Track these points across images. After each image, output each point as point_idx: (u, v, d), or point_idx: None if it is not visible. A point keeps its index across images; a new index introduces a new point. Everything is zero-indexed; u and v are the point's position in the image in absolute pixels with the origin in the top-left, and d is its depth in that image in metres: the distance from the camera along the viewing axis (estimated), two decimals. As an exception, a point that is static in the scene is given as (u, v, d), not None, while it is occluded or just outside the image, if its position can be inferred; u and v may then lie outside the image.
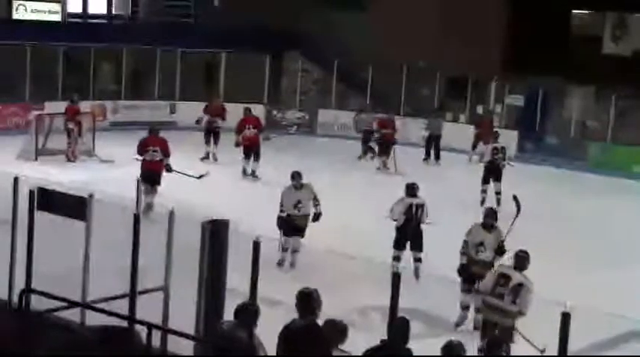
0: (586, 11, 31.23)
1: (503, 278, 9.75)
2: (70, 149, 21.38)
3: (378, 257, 12.73)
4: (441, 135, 24.53)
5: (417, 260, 12.97)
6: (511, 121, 28.22)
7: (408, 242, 13.04)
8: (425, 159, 24.27)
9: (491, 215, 11.57)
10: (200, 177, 17.34)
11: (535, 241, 15.56)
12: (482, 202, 18.19)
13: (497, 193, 18.58)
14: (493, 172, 19.12)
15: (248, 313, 6.67)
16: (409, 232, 13.03)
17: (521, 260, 9.81)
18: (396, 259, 12.91)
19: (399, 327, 6.49)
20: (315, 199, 13.62)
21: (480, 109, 27.74)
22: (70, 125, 21.49)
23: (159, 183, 16.25)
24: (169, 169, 16.52)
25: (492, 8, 29.38)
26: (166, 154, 16.59)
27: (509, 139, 26.45)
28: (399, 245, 13.00)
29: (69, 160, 21.20)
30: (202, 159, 21.80)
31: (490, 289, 9.77)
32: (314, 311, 6.70)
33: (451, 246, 11.58)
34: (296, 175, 13.82)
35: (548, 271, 14.19)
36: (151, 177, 15.99)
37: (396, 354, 6.45)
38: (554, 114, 28.13)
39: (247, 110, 21.56)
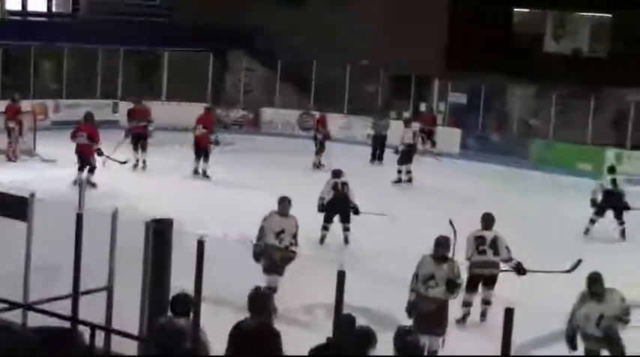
0: (527, 9, 31.61)
1: (480, 239, 11.77)
2: (11, 149, 21.08)
3: (323, 255, 12.76)
4: (386, 135, 24.34)
5: (346, 229, 15.21)
6: (454, 119, 28.47)
7: (337, 215, 15.18)
8: (371, 161, 24.15)
9: (443, 245, 9.85)
10: (124, 163, 19.29)
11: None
12: (399, 180, 21.19)
13: (408, 172, 21.35)
14: (408, 154, 21.48)
15: (184, 303, 6.65)
16: (337, 205, 15.19)
17: (489, 221, 11.98)
18: (325, 228, 15.14)
19: (344, 325, 6.45)
20: (295, 236, 11.56)
21: (422, 107, 27.95)
22: (11, 124, 21.18)
23: (88, 163, 18.37)
24: (100, 153, 18.72)
25: (435, 6, 29.61)
26: (93, 139, 18.56)
27: (452, 136, 26.78)
28: (328, 219, 15.15)
29: (9, 159, 20.90)
30: (134, 166, 20.71)
31: (473, 251, 11.65)
32: (265, 311, 6.67)
33: (395, 245, 11.65)
34: (285, 201, 11.71)
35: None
36: (80, 157, 18.43)
37: (343, 353, 6.41)
38: (496, 112, 28.43)
39: (206, 109, 21.60)
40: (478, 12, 28.41)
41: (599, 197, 17.14)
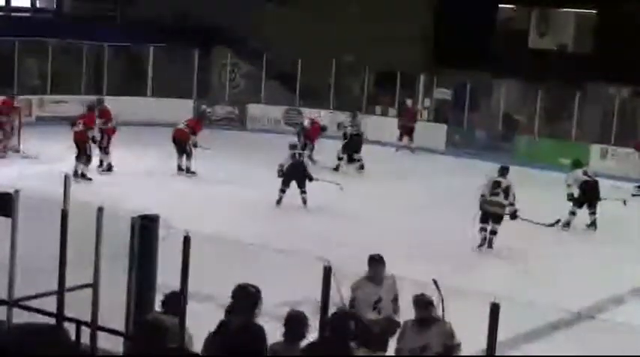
0: (512, 6, 31.66)
1: (497, 183, 15.38)
2: (2, 144, 20.99)
3: (310, 251, 12.75)
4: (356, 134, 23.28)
5: (303, 193, 17.72)
6: (439, 115, 28.53)
7: (294, 181, 17.66)
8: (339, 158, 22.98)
9: (422, 307, 8.02)
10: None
11: (464, 234, 15.87)
12: (337, 168, 22.32)
13: (359, 160, 22.43)
14: (355, 144, 22.52)
15: (176, 301, 6.63)
16: (294, 172, 17.69)
17: (505, 171, 15.64)
18: (282, 191, 17.72)
19: (337, 321, 6.40)
20: (397, 300, 9.11)
21: (409, 104, 28.00)
22: (3, 119, 21.11)
23: (82, 150, 19.02)
24: (94, 141, 19.49)
25: (420, 3, 29.65)
26: (88, 127, 19.32)
27: (438, 132, 26.85)
28: (285, 183, 17.71)
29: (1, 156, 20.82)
30: (106, 170, 20.29)
31: (489, 192, 15.22)
32: (252, 309, 6.64)
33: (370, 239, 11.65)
34: (378, 264, 9.11)
35: (477, 262, 14.47)
36: (76, 144, 19.12)
37: (337, 350, 6.36)
38: (482, 108, 28.50)
39: (88, 107, 20.83)
40: (463, 8, 28.43)
41: (576, 191, 17.39)
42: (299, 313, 6.56)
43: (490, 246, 15.27)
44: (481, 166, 22.87)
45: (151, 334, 6.68)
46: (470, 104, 27.61)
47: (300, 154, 18.35)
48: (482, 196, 15.34)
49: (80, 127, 19.52)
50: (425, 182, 21.24)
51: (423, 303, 7.87)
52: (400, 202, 18.65)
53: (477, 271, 13.68)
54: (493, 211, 15.24)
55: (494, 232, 15.26)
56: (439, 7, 30.09)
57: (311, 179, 17.89)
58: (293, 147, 18.52)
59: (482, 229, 15.26)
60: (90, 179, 18.85)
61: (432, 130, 26.96)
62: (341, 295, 8.05)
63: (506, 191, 15.32)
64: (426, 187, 20.51)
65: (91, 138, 19.31)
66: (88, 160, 19.15)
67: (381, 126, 26.67)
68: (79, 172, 18.85)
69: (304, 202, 17.78)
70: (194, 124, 21.06)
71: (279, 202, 17.78)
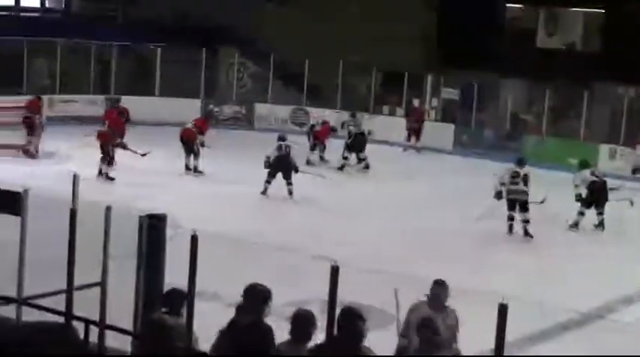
0: (520, 5, 31.62)
1: (515, 173, 16.69)
2: (33, 145, 21.07)
3: (318, 251, 12.77)
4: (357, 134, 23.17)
5: (289, 184, 18.37)
6: (447, 114, 28.51)
7: (280, 173, 18.29)
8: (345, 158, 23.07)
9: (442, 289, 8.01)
10: (144, 155, 19.47)
11: (470, 234, 15.88)
12: (342, 167, 22.43)
13: (364, 159, 22.46)
14: (359, 143, 22.64)
15: (175, 299, 6.64)
16: (279, 164, 18.36)
17: (523, 161, 17.08)
18: (268, 182, 18.40)
19: (346, 321, 6.34)
20: (455, 335, 8.00)
21: (416, 103, 27.98)
22: (37, 120, 21.21)
23: (103, 152, 19.04)
24: (124, 147, 19.41)
25: (427, 2, 29.64)
26: (113, 129, 19.52)
27: (445, 132, 26.83)
28: (271, 174, 18.37)
29: (31, 156, 20.84)
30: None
31: (509, 182, 16.58)
32: (261, 308, 6.63)
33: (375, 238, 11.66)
34: (439, 287, 8.11)
35: (484, 262, 14.47)
36: (101, 146, 19.16)
37: (346, 351, 6.32)
38: (489, 107, 28.46)
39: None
40: (470, 8, 28.41)
41: (584, 192, 17.37)
42: (306, 312, 6.56)
43: (528, 234, 16.42)
44: (489, 165, 22.87)
45: (154, 334, 6.69)
46: (477, 104, 27.58)
47: (286, 146, 18.74)
48: (502, 184, 16.67)
49: (105, 128, 19.67)
50: (432, 182, 21.24)
51: (440, 286, 7.95)
52: (406, 201, 18.67)
53: (484, 271, 13.66)
54: (522, 199, 16.43)
55: (526, 221, 16.42)
56: (446, 6, 30.05)
57: (297, 171, 18.54)
58: (281, 138, 19.00)
59: (510, 218, 16.52)
60: (113, 179, 18.92)
61: (439, 130, 26.94)
62: (398, 316, 7.82)
63: (525, 179, 16.58)
64: (433, 187, 20.51)
65: (118, 143, 19.34)
66: (111, 160, 19.16)
67: (388, 126, 26.66)
68: (104, 172, 18.92)
69: (290, 193, 18.38)
70: (202, 124, 21.12)
71: (264, 192, 18.47)
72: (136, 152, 19.45)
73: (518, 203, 16.50)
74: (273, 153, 18.56)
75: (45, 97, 25.97)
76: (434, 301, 7.96)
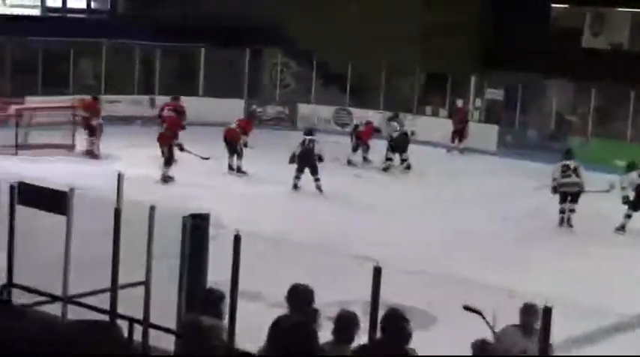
0: (565, 5, 31.35)
1: (565, 166, 17.38)
2: (95, 146, 21.31)
3: (359, 251, 12.77)
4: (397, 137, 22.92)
5: (317, 180, 18.66)
6: (491, 115, 28.32)
7: (308, 169, 18.67)
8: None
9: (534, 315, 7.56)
10: (206, 158, 19.73)
11: (517, 235, 15.80)
12: (387, 168, 22.25)
13: (406, 159, 22.33)
14: (396, 145, 22.39)
15: (211, 299, 6.67)
16: (304, 158, 18.78)
17: (571, 154, 17.89)
18: (297, 178, 18.90)
19: (392, 322, 6.32)
20: None
21: (459, 104, 27.84)
22: (95, 122, 21.45)
23: (164, 154, 19.19)
24: (181, 149, 19.41)
25: (472, 2, 29.48)
26: (170, 130, 19.57)
27: (489, 133, 26.65)
28: (299, 170, 18.79)
29: (94, 156, 21.08)
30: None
31: (561, 175, 17.21)
32: (305, 308, 6.64)
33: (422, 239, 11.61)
34: (530, 311, 7.79)
35: (527, 263, 14.35)
36: (161, 146, 19.33)
37: (392, 352, 6.29)
38: (533, 108, 28.24)
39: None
40: (516, 8, 28.22)
41: (631, 194, 17.18)
42: (350, 313, 6.56)
43: (570, 225, 17.02)
44: (532, 167, 22.73)
45: (190, 334, 6.72)
46: (521, 105, 27.36)
47: (310, 141, 19.10)
48: (555, 180, 17.27)
49: (164, 130, 19.88)
50: (474, 183, 21.11)
51: (531, 310, 7.65)
52: (448, 202, 18.58)
53: (526, 272, 13.56)
54: (575, 191, 17.08)
55: (572, 210, 17.04)
56: (492, 5, 29.88)
57: (321, 160, 18.91)
58: (306, 133, 19.58)
59: (562, 210, 17.10)
60: (172, 178, 19.14)
61: (483, 130, 26.78)
62: (493, 333, 7.34)
63: (576, 171, 17.26)
64: (476, 188, 20.39)
65: (177, 145, 19.50)
66: (170, 160, 19.27)
67: (431, 126, 26.56)
68: (164, 174, 19.12)
69: (318, 188, 18.66)
70: (245, 124, 21.20)
71: (295, 187, 18.88)
72: (197, 155, 19.54)
73: (570, 195, 17.08)
74: (297, 148, 19.02)
75: (90, 98, 26.33)
76: (526, 327, 7.75)
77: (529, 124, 27.56)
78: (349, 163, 22.55)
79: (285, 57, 30.26)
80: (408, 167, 22.35)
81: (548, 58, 27.02)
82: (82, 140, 21.62)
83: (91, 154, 21.27)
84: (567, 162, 17.52)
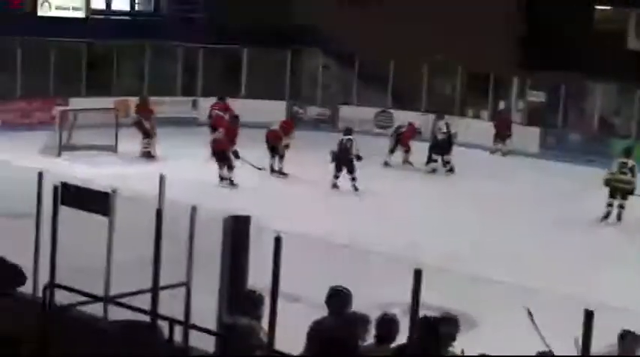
0: (609, 7, 31.03)
1: (624, 163, 17.96)
2: (151, 147, 21.49)
3: (399, 253, 12.74)
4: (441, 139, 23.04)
5: (353, 179, 19.11)
6: (533, 117, 28.10)
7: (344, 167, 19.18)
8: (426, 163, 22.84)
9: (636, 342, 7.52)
10: (260, 168, 19.94)
11: (558, 240, 15.67)
12: (433, 170, 22.30)
13: (449, 162, 22.26)
14: (440, 147, 22.43)
15: (249, 301, 6.68)
16: (341, 157, 19.29)
17: (629, 151, 18.57)
18: (336, 177, 19.35)
19: (427, 325, 6.32)
20: None
21: (501, 105, 27.66)
22: (148, 124, 21.64)
23: (222, 159, 19.18)
24: (236, 156, 19.41)
25: (515, 2, 29.28)
26: (228, 136, 19.54)
27: (531, 135, 26.45)
28: (337, 168, 19.34)
29: (151, 157, 21.23)
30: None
31: (617, 170, 17.76)
32: (343, 310, 6.65)
33: (471, 245, 11.54)
34: (632, 342, 7.58)
35: (575, 269, 14.21)
36: (215, 153, 19.45)
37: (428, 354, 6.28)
38: (576, 110, 27.98)
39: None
40: (559, 9, 27.98)
41: None
42: (390, 315, 6.56)
43: (619, 219, 17.63)
44: (575, 170, 22.54)
45: (230, 336, 6.75)
46: (564, 107, 27.12)
47: (347, 141, 19.56)
48: (612, 174, 17.85)
49: (220, 136, 19.81)
50: (515, 186, 20.96)
51: (634, 336, 7.52)
52: (486, 204, 18.44)
53: (566, 276, 13.41)
54: (622, 188, 17.68)
55: (622, 207, 17.66)
56: (535, 6, 29.66)
57: (359, 158, 19.21)
58: (345, 133, 20.09)
59: (610, 205, 17.69)
60: (235, 184, 19.07)
61: (525, 133, 26.58)
62: (543, 341, 7.12)
63: (632, 170, 17.84)
64: (516, 191, 20.25)
65: (233, 152, 19.50)
66: (231, 165, 19.31)
67: (473, 128, 26.41)
68: (226, 178, 19.12)
69: (354, 188, 19.10)
70: (287, 126, 21.23)
71: (334, 186, 19.28)
72: (252, 164, 19.59)
73: (621, 192, 17.69)
74: (336, 147, 19.50)
75: (132, 99, 26.52)
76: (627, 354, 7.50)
77: (571, 126, 27.31)
78: (386, 164, 22.50)
79: (326, 58, 30.26)
80: (451, 170, 22.24)
81: (592, 59, 26.75)
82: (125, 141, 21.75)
83: (148, 155, 21.41)
84: (625, 160, 18.05)
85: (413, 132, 23.19)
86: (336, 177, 19.30)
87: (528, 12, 29.82)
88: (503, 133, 25.71)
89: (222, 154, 19.20)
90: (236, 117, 20.90)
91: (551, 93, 27.84)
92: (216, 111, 22.80)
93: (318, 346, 6.52)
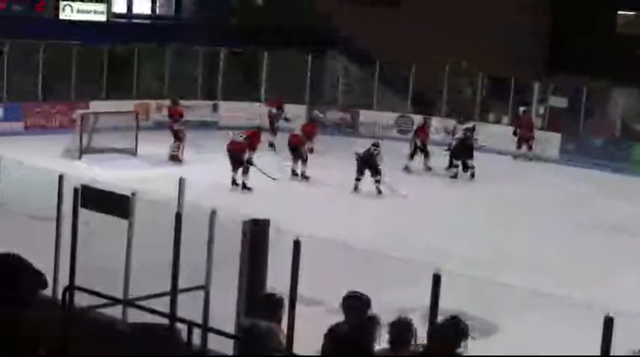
0: (632, 12, 30.90)
1: None
2: (180, 150, 21.54)
3: (418, 258, 12.70)
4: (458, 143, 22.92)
5: (377, 182, 19.28)
6: (553, 122, 27.96)
7: (368, 171, 19.26)
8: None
9: None
10: (274, 178, 19.33)
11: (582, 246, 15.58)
12: (455, 175, 22.01)
13: (471, 167, 22.06)
14: (465, 150, 22.14)
15: (267, 304, 6.66)
16: (366, 162, 19.35)
17: None
18: (357, 180, 19.34)
19: (446, 329, 6.29)
20: None
21: (521, 109, 27.55)
22: (177, 126, 21.69)
23: (237, 162, 18.84)
24: (250, 163, 19.00)
25: (537, 7, 29.19)
26: (250, 143, 19.06)
27: (551, 140, 26.32)
28: (360, 172, 19.34)
29: (177, 161, 21.32)
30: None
31: None
32: (361, 314, 6.62)
33: (490, 250, 11.47)
34: None
35: (590, 276, 14.13)
36: (231, 156, 18.98)
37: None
38: (598, 116, 27.83)
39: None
40: (581, 14, 27.89)
41: None
42: (405, 319, 6.53)
43: None
44: (596, 175, 22.41)
45: (248, 339, 6.74)
46: (586, 112, 26.97)
47: (375, 149, 19.71)
48: None
49: (241, 139, 19.56)
50: (537, 191, 20.85)
51: None
52: (511, 211, 18.36)
53: (586, 282, 13.32)
54: None
55: None
56: (557, 11, 29.56)
57: (377, 171, 19.38)
58: (374, 144, 20.02)
59: None
60: (250, 189, 18.95)
61: (546, 138, 26.47)
62: None
63: None
64: (538, 196, 20.15)
65: (248, 160, 19.23)
66: (245, 170, 19.16)
67: (494, 133, 26.31)
68: (242, 182, 19.01)
69: (378, 190, 19.24)
70: (309, 130, 21.22)
71: (355, 188, 19.35)
72: (265, 174, 19.46)
73: None
74: (360, 151, 19.66)
75: (153, 102, 26.61)
76: None
77: (593, 131, 27.16)
78: (406, 168, 22.44)
79: (347, 62, 30.24)
80: (472, 175, 22.12)
81: (614, 64, 26.64)
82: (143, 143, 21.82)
83: (175, 159, 21.44)
84: None
85: (427, 129, 23.15)
86: (358, 180, 19.43)
87: (550, 17, 29.72)
88: (527, 134, 25.48)
89: (238, 158, 19.10)
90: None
91: (572, 98, 27.70)
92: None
93: (334, 351, 6.50)
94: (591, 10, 28.37)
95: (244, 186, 18.89)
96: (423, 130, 23.12)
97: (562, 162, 25.43)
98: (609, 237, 16.57)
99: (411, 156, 22.81)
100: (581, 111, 26.87)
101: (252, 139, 19.57)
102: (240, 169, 18.90)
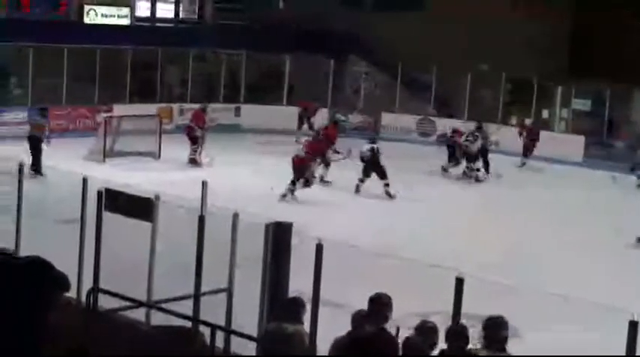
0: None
1: None
2: (198, 154, 21.62)
3: (441, 263, 12.67)
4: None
5: (386, 185, 19.00)
6: (577, 126, 27.83)
7: (374, 173, 19.12)
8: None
9: None
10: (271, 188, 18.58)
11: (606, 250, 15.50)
12: (477, 179, 21.87)
13: (478, 170, 22.06)
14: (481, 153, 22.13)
15: (292, 307, 6.67)
16: (370, 165, 19.25)
17: None
18: (361, 180, 19.31)
19: (457, 333, 6.33)
20: None
21: (545, 114, 27.38)
22: (200, 132, 21.76)
23: (302, 174, 18.56)
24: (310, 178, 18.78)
25: (560, 12, 29.08)
26: (312, 156, 18.99)
27: (575, 144, 26.18)
28: (365, 173, 19.32)
29: (196, 164, 21.40)
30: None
31: None
32: (384, 317, 6.63)
33: (510, 255, 11.41)
34: None
35: (615, 279, 14.05)
36: (293, 168, 18.61)
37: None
38: (621, 119, 27.67)
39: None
40: (604, 18, 27.76)
41: None
42: (429, 323, 6.54)
43: None
44: (620, 178, 22.26)
45: (273, 342, 6.75)
46: (609, 115, 26.83)
47: (378, 149, 19.64)
48: None
49: (302, 153, 19.20)
50: (560, 195, 20.74)
51: None
52: (533, 215, 18.26)
53: (619, 289, 13.24)
54: None
55: None
56: (580, 15, 29.44)
57: (384, 174, 19.12)
58: (370, 141, 20.16)
59: None
60: (329, 182, 19.77)
61: (569, 141, 26.35)
62: None
63: None
64: (561, 200, 20.04)
65: (311, 173, 19.12)
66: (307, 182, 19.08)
67: (516, 137, 26.18)
68: (290, 192, 18.76)
69: (387, 194, 19.00)
70: (330, 133, 21.19)
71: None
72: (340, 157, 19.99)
73: None
74: (365, 153, 19.54)
75: (176, 106, 26.70)
76: None
77: (617, 135, 27.02)
78: (444, 170, 22.40)
79: (369, 65, 30.23)
80: (477, 179, 22.00)
81: (637, 68, 26.49)
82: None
83: (194, 162, 21.51)
84: None
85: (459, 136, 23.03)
86: (362, 180, 19.37)
87: (573, 21, 29.60)
88: (529, 144, 25.07)
89: (301, 169, 18.85)
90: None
91: (595, 101, 27.56)
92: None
93: (357, 354, 6.51)
94: (614, 13, 28.22)
95: (322, 179, 19.65)
96: (459, 134, 22.88)
97: (586, 165, 25.29)
98: (632, 241, 16.45)
99: (456, 163, 22.49)
100: (605, 114, 26.73)
101: (328, 135, 20.24)
102: (302, 180, 18.76)
